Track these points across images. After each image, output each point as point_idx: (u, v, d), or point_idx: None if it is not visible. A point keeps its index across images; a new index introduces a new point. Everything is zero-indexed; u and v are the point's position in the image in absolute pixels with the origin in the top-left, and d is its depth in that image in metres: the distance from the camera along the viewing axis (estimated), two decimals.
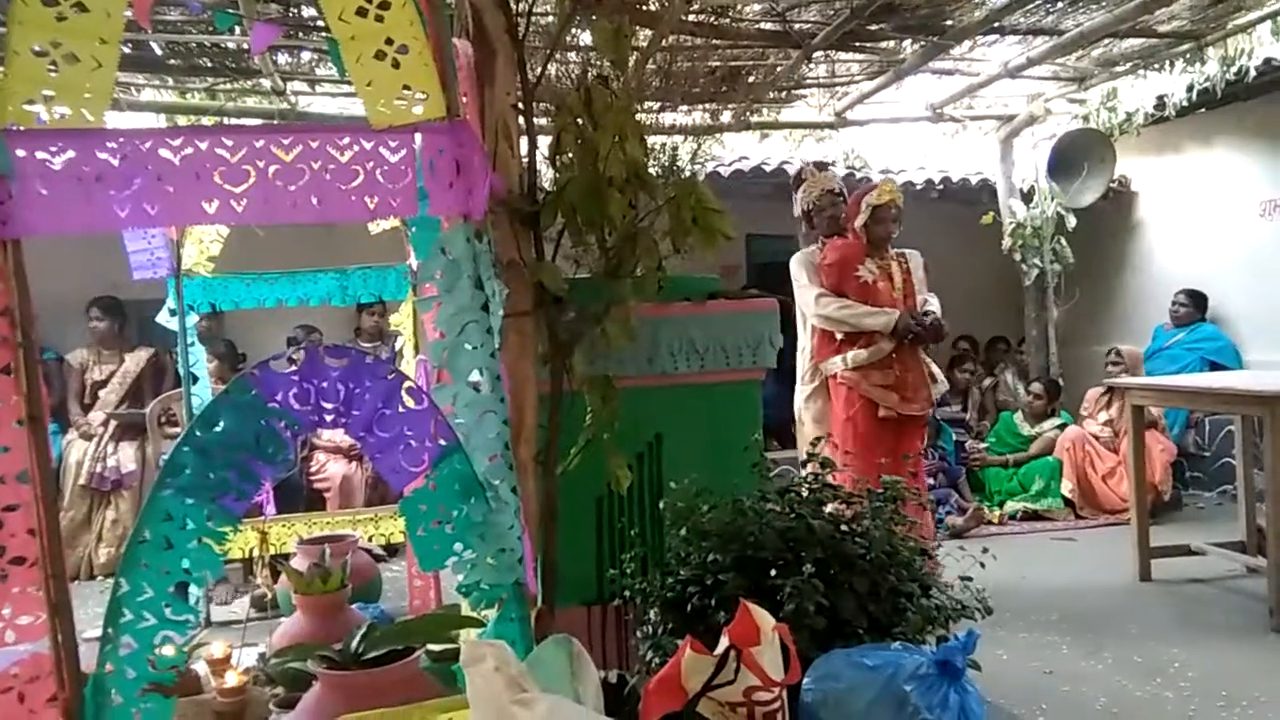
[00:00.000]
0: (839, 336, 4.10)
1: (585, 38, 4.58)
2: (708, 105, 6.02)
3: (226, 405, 1.50)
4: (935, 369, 4.20)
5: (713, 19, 4.61)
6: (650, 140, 2.65)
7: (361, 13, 1.56)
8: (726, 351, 2.76)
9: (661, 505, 2.44)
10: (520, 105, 2.06)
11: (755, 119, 6.34)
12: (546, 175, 2.15)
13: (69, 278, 4.90)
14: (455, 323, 1.66)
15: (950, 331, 4.62)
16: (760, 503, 2.25)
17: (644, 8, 4.34)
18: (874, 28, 4.76)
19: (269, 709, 2.75)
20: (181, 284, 3.94)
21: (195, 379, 4.03)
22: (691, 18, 4.47)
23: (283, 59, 4.97)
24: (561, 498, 2.09)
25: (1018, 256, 6.70)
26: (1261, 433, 4.92)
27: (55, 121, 1.44)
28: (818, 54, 5.13)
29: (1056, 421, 6.28)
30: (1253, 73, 5.22)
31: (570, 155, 2.03)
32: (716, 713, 1.69)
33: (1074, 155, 6.39)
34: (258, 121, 5.39)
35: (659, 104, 5.78)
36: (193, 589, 1.49)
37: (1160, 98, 5.92)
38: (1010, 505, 5.90)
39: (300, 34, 4.50)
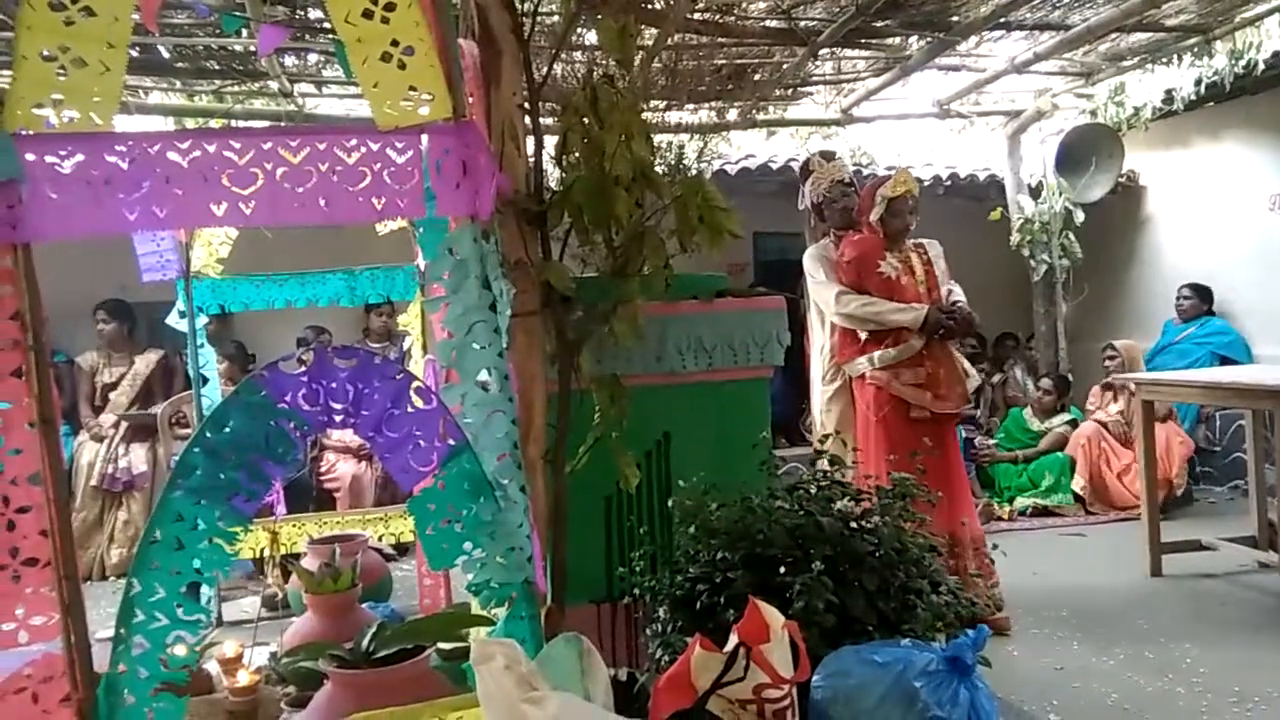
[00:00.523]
0: (863, 335, 3.87)
1: (591, 37, 4.57)
2: (714, 103, 6.01)
3: (236, 406, 1.51)
4: (966, 364, 3.97)
5: (718, 17, 4.61)
6: (656, 139, 2.64)
7: (367, 14, 1.56)
8: (734, 349, 2.76)
9: (670, 503, 2.44)
10: (526, 105, 2.07)
11: (761, 117, 6.33)
12: (553, 175, 2.15)
13: (79, 281, 4.92)
14: (463, 322, 1.66)
15: (982, 324, 4.34)
16: (769, 500, 2.25)
17: (649, 6, 4.34)
18: (880, 24, 4.75)
19: (280, 708, 2.77)
20: (191, 286, 3.96)
21: (205, 380, 4.05)
22: (697, 16, 4.47)
23: (290, 61, 4.99)
24: (570, 496, 2.10)
25: (1026, 252, 6.69)
26: (1273, 427, 4.91)
27: (64, 125, 1.45)
28: (824, 51, 5.12)
29: (1066, 417, 6.27)
30: (1261, 66, 5.19)
31: (576, 155, 2.04)
32: (726, 710, 1.69)
33: (1082, 150, 6.37)
34: (265, 123, 5.41)
35: (665, 102, 5.78)
36: (204, 589, 1.50)
37: (1168, 92, 5.90)
38: (1020, 501, 5.88)
39: (307, 36, 4.51)
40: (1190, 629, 3.59)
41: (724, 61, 5.29)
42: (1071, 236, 6.57)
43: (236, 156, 1.51)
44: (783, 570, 2.06)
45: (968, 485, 4.05)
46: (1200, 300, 6.35)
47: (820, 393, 4.22)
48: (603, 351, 2.35)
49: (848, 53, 5.39)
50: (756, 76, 5.57)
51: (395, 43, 1.58)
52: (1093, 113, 6.42)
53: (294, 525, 4.22)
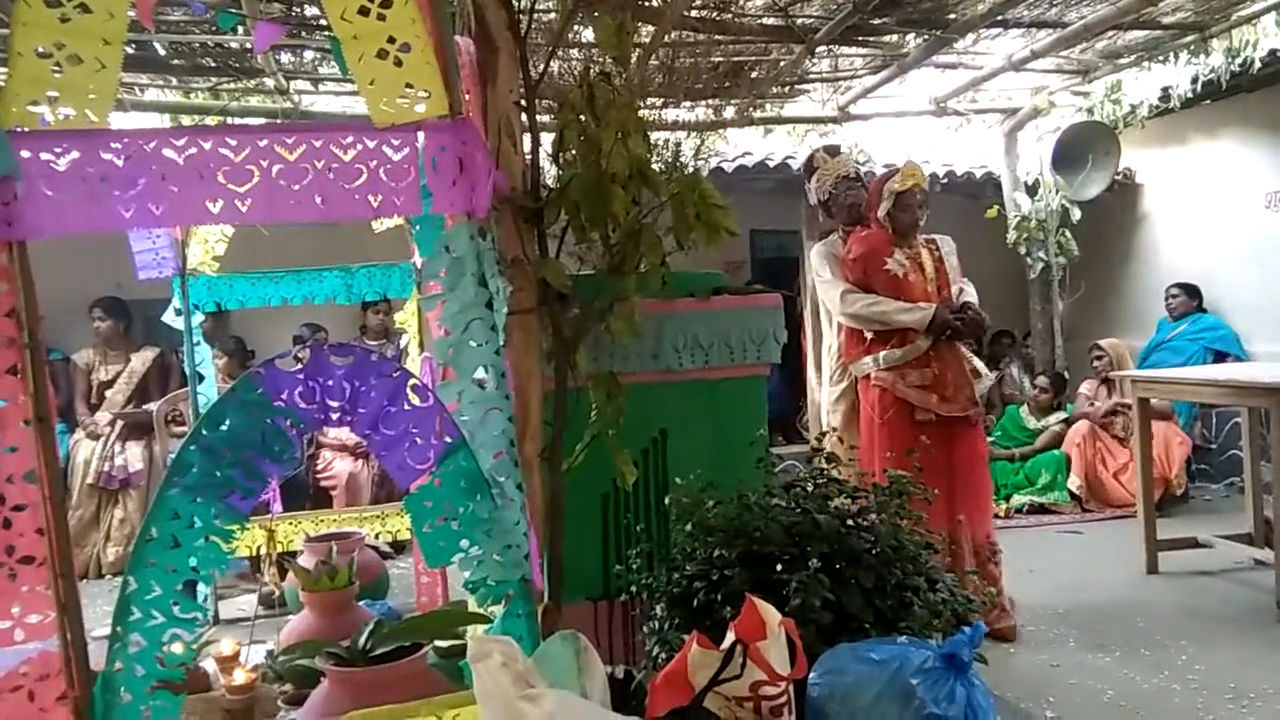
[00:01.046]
0: (869, 335, 3.77)
1: (588, 34, 4.57)
2: (711, 101, 6.01)
3: (233, 404, 1.51)
4: (978, 363, 3.85)
5: (715, 14, 4.60)
6: (653, 136, 2.64)
7: (364, 11, 1.56)
8: (731, 347, 2.76)
9: (667, 501, 2.44)
10: (523, 102, 2.06)
11: (758, 114, 6.33)
12: (550, 172, 2.15)
13: (75, 278, 4.91)
14: (460, 320, 1.66)
15: (992, 324, 4.13)
16: (766, 498, 2.25)
17: (646, 3, 4.33)
18: (877, 22, 4.75)
19: (277, 706, 2.77)
20: (187, 283, 3.96)
21: (201, 378, 4.05)
22: (694, 13, 4.46)
23: (286, 58, 4.98)
24: (567, 494, 2.10)
25: (1022, 250, 6.69)
26: (1269, 425, 4.92)
27: (60, 123, 1.44)
28: (821, 49, 5.12)
29: (1062, 415, 6.27)
30: (1257, 64, 5.20)
31: (573, 152, 2.04)
32: (723, 707, 1.69)
33: (1078, 148, 6.37)
34: (261, 121, 5.40)
35: (662, 100, 5.78)
36: (201, 587, 1.50)
37: (1165, 90, 5.90)
38: (1016, 499, 5.89)
39: (303, 33, 4.50)
40: (1186, 626, 3.60)
41: (721, 59, 5.29)
42: (1068, 234, 6.57)
43: (232, 154, 1.51)
44: (779, 568, 2.06)
45: (988, 489, 3.85)
46: (1189, 298, 6.37)
47: (827, 393, 4.18)
48: (599, 349, 2.36)
49: (845, 50, 5.39)
50: (753, 74, 5.56)
51: (391, 39, 1.57)
52: (1089, 110, 6.43)
53: (290, 523, 4.22)
